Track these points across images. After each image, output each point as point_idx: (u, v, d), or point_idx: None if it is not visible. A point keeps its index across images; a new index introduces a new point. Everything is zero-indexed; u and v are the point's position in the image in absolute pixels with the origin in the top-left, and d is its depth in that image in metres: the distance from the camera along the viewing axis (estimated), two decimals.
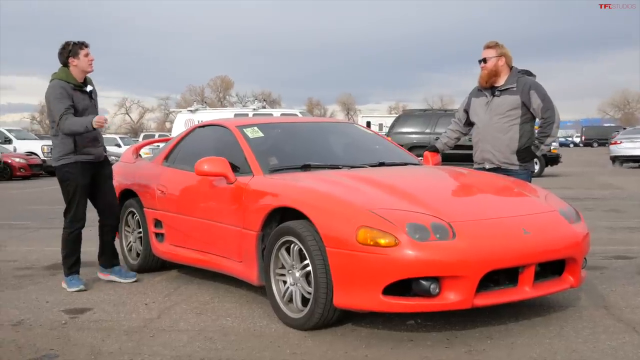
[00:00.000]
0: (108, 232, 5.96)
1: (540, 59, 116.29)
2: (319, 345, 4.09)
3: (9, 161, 22.68)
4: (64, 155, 5.58)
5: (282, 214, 4.65)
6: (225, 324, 4.59)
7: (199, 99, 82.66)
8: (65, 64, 5.60)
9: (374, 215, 4.07)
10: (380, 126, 45.72)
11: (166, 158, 6.23)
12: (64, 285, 5.66)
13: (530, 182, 5.55)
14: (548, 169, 21.19)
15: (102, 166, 5.84)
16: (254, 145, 5.34)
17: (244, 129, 5.55)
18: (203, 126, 6.24)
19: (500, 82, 5.61)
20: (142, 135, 47.64)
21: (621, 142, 24.39)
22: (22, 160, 23.02)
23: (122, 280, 5.85)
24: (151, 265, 6.23)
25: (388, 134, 21.29)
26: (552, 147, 20.33)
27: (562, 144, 24.26)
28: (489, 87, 5.66)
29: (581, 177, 20.02)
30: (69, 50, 5.57)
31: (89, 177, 5.69)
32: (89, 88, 5.72)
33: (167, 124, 79.54)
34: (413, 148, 18.98)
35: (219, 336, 4.30)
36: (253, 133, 5.52)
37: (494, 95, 5.63)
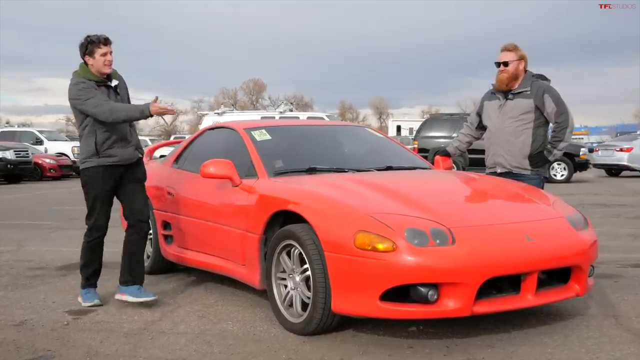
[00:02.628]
0: (132, 242, 5.29)
1: (578, 62, 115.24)
2: (316, 350, 4.04)
3: (40, 162, 23.00)
4: (86, 158, 5.11)
5: (285, 217, 4.61)
6: (226, 327, 4.56)
7: (231, 102, 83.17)
8: (88, 53, 5.07)
9: (372, 219, 4.02)
10: (411, 130, 45.60)
11: (176, 160, 6.24)
12: (79, 299, 5.23)
13: (542, 187, 5.45)
14: (577, 175, 20.89)
15: (132, 168, 5.26)
16: (260, 148, 5.31)
17: (251, 132, 5.53)
18: (213, 128, 6.23)
19: (516, 85, 5.52)
20: (172, 137, 48.00)
21: (598, 150, 23.82)
22: (52, 161, 23.35)
23: (134, 300, 5.15)
24: (161, 267, 6.23)
25: (415, 138, 21.20)
26: (581, 153, 20.03)
27: (591, 150, 23.62)
28: (502, 91, 5.57)
29: (610, 183, 19.70)
30: (86, 47, 5.06)
31: (112, 182, 5.16)
32: (114, 82, 5.18)
33: (199, 127, 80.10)
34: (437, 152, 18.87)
35: (217, 340, 4.27)
36: (260, 136, 5.49)
37: (507, 99, 5.54)
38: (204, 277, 6.05)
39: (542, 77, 5.61)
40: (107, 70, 5.09)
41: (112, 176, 5.16)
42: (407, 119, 58.91)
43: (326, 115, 23.04)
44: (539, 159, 5.46)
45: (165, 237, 6.02)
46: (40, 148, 25.77)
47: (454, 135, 19.66)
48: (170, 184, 5.95)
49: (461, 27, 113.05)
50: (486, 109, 5.72)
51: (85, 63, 5.10)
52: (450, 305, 3.87)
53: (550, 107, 5.40)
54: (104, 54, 5.05)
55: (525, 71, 5.54)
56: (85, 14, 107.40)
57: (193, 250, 5.63)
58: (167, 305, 5.15)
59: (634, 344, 4.05)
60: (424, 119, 29.67)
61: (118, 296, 5.22)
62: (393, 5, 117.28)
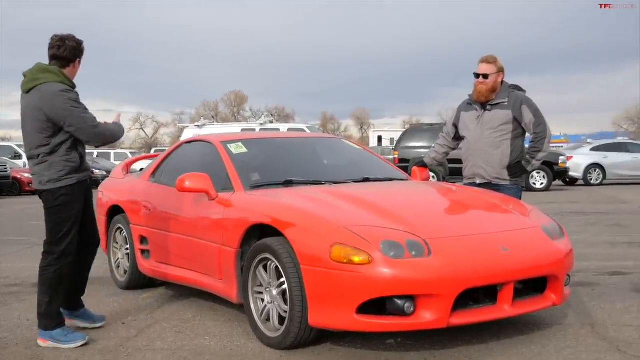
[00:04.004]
0: (86, 262, 5.00)
1: (556, 72, 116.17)
2: None
3: (18, 176, 22.81)
4: (66, 175, 4.55)
5: (262, 231, 4.59)
6: (203, 343, 4.52)
7: (212, 114, 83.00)
8: (69, 62, 4.63)
9: (348, 232, 4.01)
10: (392, 140, 45.70)
11: (153, 174, 6.19)
12: (51, 344, 4.47)
13: (520, 197, 5.47)
14: (556, 183, 21.02)
15: (89, 189, 4.91)
16: (236, 161, 5.29)
17: (227, 145, 5.51)
18: (190, 142, 6.20)
19: (493, 96, 5.55)
20: (153, 150, 47.79)
21: None
22: (30, 176, 23.08)
23: (90, 326, 4.90)
24: (139, 282, 6.17)
25: (395, 148, 21.25)
26: (560, 161, 20.16)
27: None
28: (480, 102, 5.59)
29: (588, 190, 19.82)
30: (81, 51, 4.69)
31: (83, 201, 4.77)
32: None
33: (181, 139, 79.82)
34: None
35: (194, 356, 4.23)
36: (237, 149, 5.47)
37: (485, 110, 5.56)
38: (182, 292, 6.00)
39: (518, 88, 5.64)
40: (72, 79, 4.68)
41: (84, 194, 4.77)
42: (388, 129, 59.08)
43: (307, 127, 23.04)
44: (517, 169, 5.49)
45: (143, 251, 5.97)
46: (19, 162, 25.57)
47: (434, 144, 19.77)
48: (147, 198, 5.91)
49: (442, 38, 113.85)
50: (463, 119, 5.73)
51: (67, 65, 4.63)
52: (427, 317, 3.86)
53: (528, 117, 5.43)
54: (80, 63, 4.75)
55: (502, 82, 5.57)
56: (67, 28, 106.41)
57: (170, 264, 5.59)
58: (143, 321, 5.10)
59: (610, 353, 4.06)
60: (405, 129, 29.78)
61: (69, 322, 4.79)
62: (374, 18, 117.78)
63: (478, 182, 5.59)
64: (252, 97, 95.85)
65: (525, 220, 4.58)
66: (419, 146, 20.22)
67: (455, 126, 5.82)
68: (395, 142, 23.60)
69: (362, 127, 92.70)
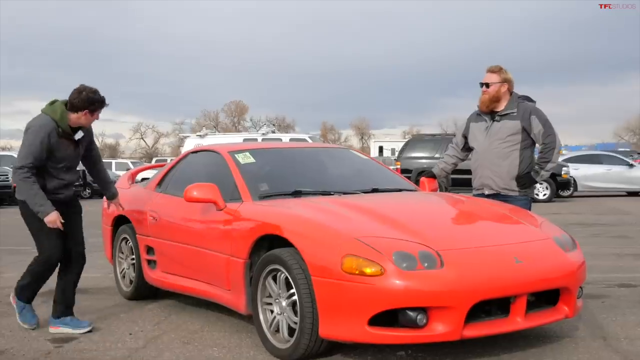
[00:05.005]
0: (73, 272, 5.27)
1: (557, 83, 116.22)
2: None
3: None
4: None
5: (271, 241, 4.55)
6: (212, 354, 4.48)
7: (213, 124, 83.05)
8: (76, 109, 4.95)
9: (360, 243, 3.97)
10: (393, 151, 45.74)
11: (159, 184, 6.16)
12: (18, 315, 5.21)
13: (529, 208, 5.44)
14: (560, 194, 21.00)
15: (70, 203, 5.26)
16: (244, 171, 5.26)
17: (235, 155, 5.48)
18: (196, 152, 6.17)
19: (501, 107, 5.52)
20: (154, 160, 47.80)
21: None
22: None
23: (75, 332, 5.05)
24: (144, 292, 6.13)
25: (398, 159, 21.23)
26: (563, 172, 20.13)
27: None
28: (488, 112, 5.57)
29: (591, 202, 19.80)
30: (93, 104, 4.96)
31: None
32: (78, 136, 5.07)
33: (181, 149, 79.81)
34: (422, 173, 18.91)
35: None
36: (244, 159, 5.44)
37: (493, 120, 5.54)
38: (188, 302, 5.96)
39: (528, 99, 5.62)
40: (85, 125, 5.07)
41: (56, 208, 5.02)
42: (389, 140, 59.15)
43: (309, 137, 23.06)
44: (526, 180, 5.46)
45: (149, 262, 5.93)
46: None
47: (437, 155, 19.77)
48: (153, 208, 5.87)
49: (443, 49, 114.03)
50: (472, 130, 5.71)
51: (67, 109, 4.96)
52: (439, 329, 3.82)
53: (537, 128, 5.41)
54: (93, 115, 5.04)
55: (511, 93, 5.55)
56: (68, 37, 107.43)
57: (177, 275, 5.54)
58: (150, 332, 5.06)
59: None
60: (406, 140, 29.80)
61: (52, 330, 5.11)
62: (374, 28, 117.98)
63: (487, 193, 5.57)
64: (252, 107, 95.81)
65: (537, 232, 4.55)
66: (421, 156, 20.24)
67: (465, 137, 5.80)
68: (397, 153, 23.61)
69: (362, 137, 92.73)
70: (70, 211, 5.25)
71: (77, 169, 5.29)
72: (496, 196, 5.50)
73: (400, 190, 5.61)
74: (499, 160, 5.48)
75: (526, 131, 5.45)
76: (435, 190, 5.88)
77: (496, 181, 5.50)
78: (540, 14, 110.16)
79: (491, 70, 5.56)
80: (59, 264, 5.19)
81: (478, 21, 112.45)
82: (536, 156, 5.59)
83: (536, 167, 5.47)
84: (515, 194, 5.48)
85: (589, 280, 6.37)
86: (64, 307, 5.18)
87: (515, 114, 5.47)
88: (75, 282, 5.30)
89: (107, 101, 5.07)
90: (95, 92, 5.00)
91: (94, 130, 5.37)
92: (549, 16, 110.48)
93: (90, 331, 5.07)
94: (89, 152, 5.36)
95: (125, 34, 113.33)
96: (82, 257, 5.30)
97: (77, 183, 5.39)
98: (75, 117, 4.99)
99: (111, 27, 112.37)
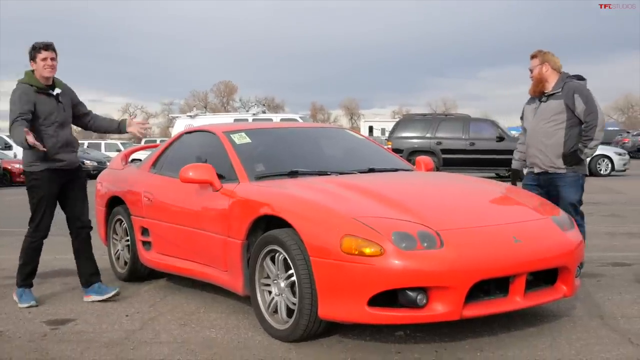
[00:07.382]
0: (79, 245, 5.57)
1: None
2: (303, 357, 3.98)
3: (9, 167, 22.61)
4: (33, 162, 5.26)
5: (268, 222, 4.53)
6: (209, 335, 4.46)
7: (202, 104, 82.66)
8: (30, 60, 5.35)
9: (358, 223, 3.95)
10: (383, 130, 45.64)
11: (154, 165, 6.11)
12: (15, 298, 5.42)
13: (582, 185, 5.65)
14: None
15: (74, 174, 5.51)
16: (240, 152, 5.22)
17: (230, 135, 5.43)
18: (191, 132, 6.12)
19: (549, 87, 5.67)
20: (143, 140, 47.51)
21: None
22: (21, 167, 22.89)
23: (100, 298, 5.40)
24: (139, 274, 6.10)
25: (389, 139, 21.19)
26: None
27: None
28: (539, 94, 5.71)
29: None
30: (30, 53, 5.32)
31: (57, 186, 5.38)
32: (55, 91, 5.36)
33: (171, 130, 79.45)
34: (413, 152, 18.92)
35: (202, 348, 4.18)
36: (240, 139, 5.40)
37: (541, 101, 5.68)
38: (183, 283, 5.94)
39: (579, 77, 5.74)
40: (47, 74, 5.30)
41: (58, 180, 5.38)
42: (378, 119, 58.97)
43: (299, 117, 22.97)
44: (572, 158, 5.56)
45: (144, 243, 5.89)
46: (9, 153, 25.35)
47: (427, 135, 19.74)
48: (148, 189, 5.83)
49: (432, 28, 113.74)
50: (525, 112, 5.93)
51: (32, 70, 5.35)
52: (439, 309, 3.82)
53: (580, 106, 5.51)
54: (44, 59, 5.27)
55: (561, 73, 5.66)
56: (57, 19, 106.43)
57: (173, 256, 5.51)
58: (147, 313, 5.04)
59: (623, 345, 4.03)
60: (395, 119, 29.71)
61: (85, 299, 5.45)
62: (362, 8, 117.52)
63: (536, 171, 5.76)
64: (241, 87, 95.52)
65: (535, 212, 4.54)
66: (412, 136, 20.16)
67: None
68: (387, 133, 23.56)
69: (352, 117, 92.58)
70: (75, 183, 5.52)
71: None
72: (544, 174, 5.68)
73: (396, 170, 5.58)
74: (545, 139, 5.61)
75: (570, 110, 5.52)
76: (431, 170, 5.87)
77: (543, 160, 5.64)
78: None
79: (532, 56, 5.77)
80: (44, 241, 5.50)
81: (467, 0, 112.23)
82: None
83: (580, 145, 5.54)
84: (564, 172, 5.60)
85: (584, 259, 6.38)
86: (87, 275, 5.54)
87: (560, 93, 5.59)
88: (86, 250, 5.58)
89: (53, 45, 5.36)
90: (36, 42, 5.35)
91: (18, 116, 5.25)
92: None
93: (117, 294, 5.45)
94: (78, 111, 5.65)
95: (114, 15, 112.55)
96: (84, 229, 5.57)
97: (75, 152, 5.55)
98: (37, 71, 5.30)
99: (97, 7, 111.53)
